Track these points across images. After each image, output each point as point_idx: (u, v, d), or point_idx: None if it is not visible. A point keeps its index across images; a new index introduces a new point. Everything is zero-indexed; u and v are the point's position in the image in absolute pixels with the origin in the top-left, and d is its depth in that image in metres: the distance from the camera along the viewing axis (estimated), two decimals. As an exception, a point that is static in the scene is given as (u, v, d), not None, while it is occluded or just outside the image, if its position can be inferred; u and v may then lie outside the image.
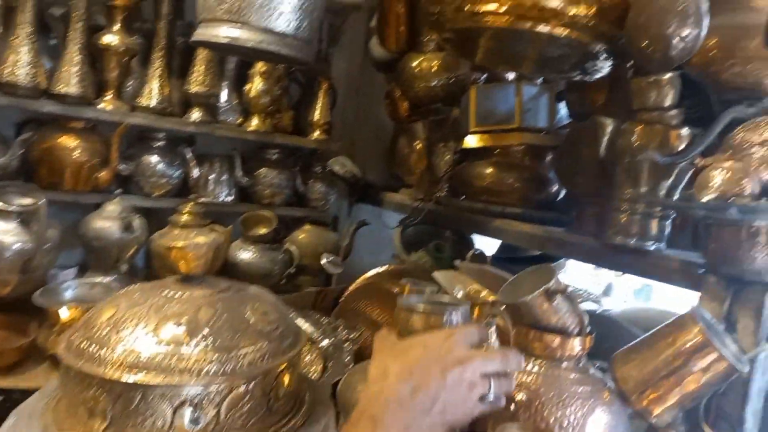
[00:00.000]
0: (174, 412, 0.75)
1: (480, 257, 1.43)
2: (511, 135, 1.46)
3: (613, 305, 1.91)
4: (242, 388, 0.79)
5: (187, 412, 0.75)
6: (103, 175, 1.53)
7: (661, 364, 0.81)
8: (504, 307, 0.92)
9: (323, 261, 1.71)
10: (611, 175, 1.14)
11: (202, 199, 1.70)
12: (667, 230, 1.12)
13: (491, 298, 1.01)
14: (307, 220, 1.90)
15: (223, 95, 1.78)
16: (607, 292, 2.12)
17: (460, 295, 1.02)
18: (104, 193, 1.59)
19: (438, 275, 1.05)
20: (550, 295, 0.83)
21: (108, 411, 0.74)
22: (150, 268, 1.64)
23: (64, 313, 1.27)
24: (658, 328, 0.86)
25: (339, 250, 1.86)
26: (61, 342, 0.83)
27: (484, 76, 1.75)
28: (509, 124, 1.48)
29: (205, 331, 0.80)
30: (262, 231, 1.73)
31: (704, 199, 0.84)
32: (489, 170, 1.50)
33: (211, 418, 0.76)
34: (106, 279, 1.48)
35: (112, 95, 1.58)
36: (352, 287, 1.80)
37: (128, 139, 1.66)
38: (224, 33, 1.16)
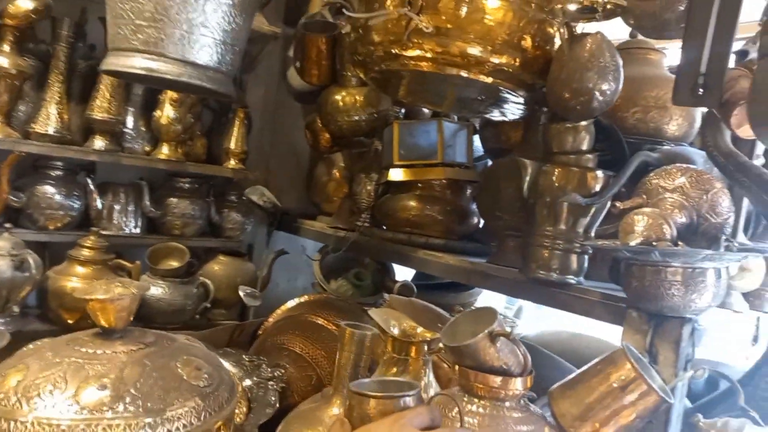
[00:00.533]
0: (100, 487, 0.67)
1: (407, 289, 1.44)
2: (435, 170, 1.48)
3: (523, 328, 1.99)
4: (177, 453, 0.72)
5: (116, 487, 0.67)
6: (-9, 207, 1.37)
7: (596, 399, 0.84)
8: (445, 349, 0.92)
9: (242, 294, 1.64)
10: (532, 213, 1.19)
11: (105, 232, 1.57)
12: (585, 264, 1.19)
13: (428, 335, 1.01)
14: (220, 251, 1.81)
15: (129, 121, 1.66)
16: (517, 314, 2.20)
17: (396, 332, 1.01)
18: (-4, 226, 1.42)
19: (373, 313, 1.03)
20: (493, 338, 0.85)
21: (21, 493, 0.65)
22: (45, 308, 1.48)
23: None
24: (591, 364, 0.90)
25: (257, 281, 1.79)
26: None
27: (403, 110, 1.79)
28: (432, 159, 1.51)
29: (133, 392, 0.72)
30: (173, 264, 1.62)
31: (631, 243, 0.89)
32: (413, 203, 1.51)
33: (144, 489, 0.69)
34: (-5, 322, 1.32)
35: (1, 121, 1.42)
36: (271, 320, 1.73)
37: (20, 169, 1.50)
38: (141, 64, 1.08)
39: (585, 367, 0.90)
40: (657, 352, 0.93)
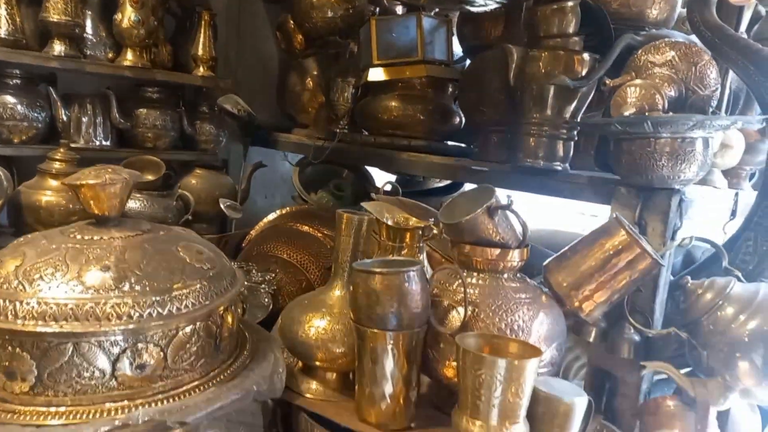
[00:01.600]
0: (114, 362, 0.67)
1: (393, 189, 1.43)
2: (416, 67, 1.45)
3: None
4: (188, 330, 0.72)
5: (128, 360, 0.67)
6: (-52, 119, 1.28)
7: (592, 267, 0.87)
8: (444, 228, 0.93)
9: (222, 206, 1.61)
10: (518, 101, 1.19)
11: (75, 145, 1.50)
12: (571, 151, 1.20)
13: (421, 223, 1.02)
14: (197, 165, 1.76)
15: (89, 26, 1.55)
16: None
17: (390, 222, 1.01)
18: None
19: (366, 205, 1.03)
20: (492, 211, 0.86)
21: (32, 368, 0.64)
22: (19, 224, 1.42)
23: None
24: (584, 236, 0.92)
25: (236, 195, 1.76)
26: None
27: (377, 9, 1.72)
28: (412, 56, 1.47)
29: (137, 272, 0.71)
30: (150, 177, 1.57)
31: (625, 113, 0.90)
32: (394, 103, 1.49)
33: (157, 363, 0.69)
34: (-33, 240, 1.26)
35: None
36: (256, 231, 1.72)
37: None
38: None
39: (578, 240, 0.92)
40: (646, 225, 0.96)
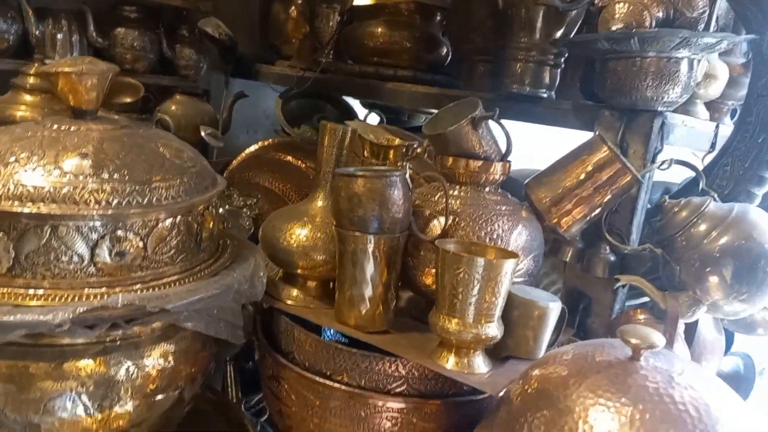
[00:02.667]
0: (93, 248, 0.66)
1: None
2: (403, -10, 1.42)
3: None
4: (168, 222, 0.72)
5: (107, 247, 0.67)
6: None
7: (573, 183, 0.88)
8: (428, 140, 0.93)
9: (203, 133, 1.58)
10: (507, 27, 1.17)
11: (49, 61, 1.45)
12: (557, 80, 1.20)
13: (405, 142, 1.01)
14: (176, 91, 1.72)
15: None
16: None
17: (373, 138, 1.00)
18: None
19: (352, 123, 1.02)
20: (476, 123, 0.85)
21: (9, 249, 0.64)
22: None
23: None
24: (565, 154, 0.93)
25: (217, 124, 1.73)
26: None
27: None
28: (400, -21, 1.43)
29: (116, 162, 0.70)
30: (128, 99, 1.53)
31: (612, 28, 0.89)
32: (380, 29, 1.46)
33: (136, 252, 0.69)
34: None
35: None
36: (237, 160, 1.70)
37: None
38: None
39: (560, 158, 0.93)
40: (627, 146, 0.97)
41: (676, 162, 0.95)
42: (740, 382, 1.16)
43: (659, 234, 0.91)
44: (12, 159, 0.66)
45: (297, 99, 1.80)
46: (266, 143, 1.73)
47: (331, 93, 1.78)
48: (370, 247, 0.79)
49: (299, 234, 0.89)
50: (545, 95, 1.17)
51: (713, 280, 0.84)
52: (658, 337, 0.60)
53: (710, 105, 1.22)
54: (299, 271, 0.91)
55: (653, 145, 0.96)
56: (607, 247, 0.97)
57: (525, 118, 1.19)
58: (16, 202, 0.64)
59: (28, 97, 1.35)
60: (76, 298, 0.65)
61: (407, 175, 0.85)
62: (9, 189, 0.64)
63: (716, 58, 1.14)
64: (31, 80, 1.36)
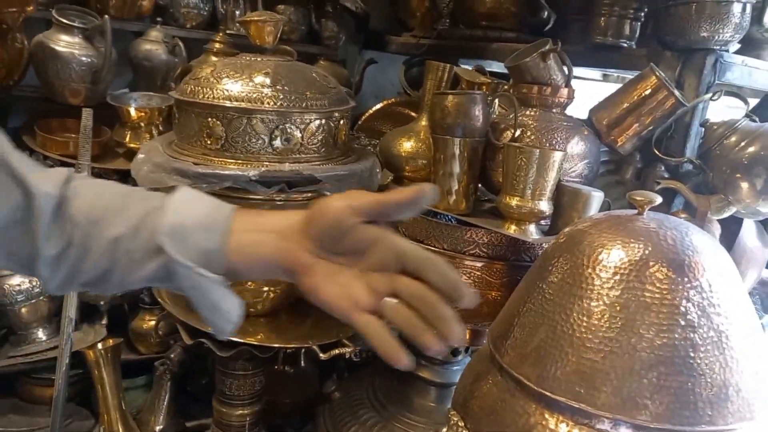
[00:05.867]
0: (271, 134, 1.02)
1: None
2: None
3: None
4: (316, 123, 1.06)
5: (279, 135, 1.02)
6: (146, 3, 1.70)
7: (627, 106, 1.09)
8: (508, 70, 1.18)
9: (340, 89, 1.93)
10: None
11: (230, 32, 1.89)
12: (637, 32, 1.38)
13: (492, 81, 1.27)
14: (320, 58, 2.10)
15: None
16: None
17: (467, 77, 1.28)
18: (145, 21, 1.76)
19: (458, 70, 1.30)
20: (544, 55, 1.10)
21: (222, 132, 1.01)
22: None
23: (133, 112, 1.50)
24: (623, 85, 1.14)
25: (351, 86, 2.08)
26: (175, 93, 1.07)
27: None
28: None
29: (286, 79, 1.05)
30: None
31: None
32: (488, -3, 1.71)
33: (296, 141, 1.03)
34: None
35: None
36: (367, 114, 2.05)
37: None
38: None
39: (618, 88, 1.14)
40: (684, 81, 1.15)
41: (726, 93, 1.11)
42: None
43: (700, 149, 1.09)
44: (224, 76, 1.04)
45: (418, 66, 2.10)
46: (390, 101, 2.06)
47: (446, 58, 2.05)
48: (457, 149, 1.07)
49: (406, 145, 1.19)
50: (625, 44, 1.36)
51: (743, 185, 1.00)
52: (658, 197, 0.82)
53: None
54: (406, 173, 1.21)
55: (706, 79, 1.13)
56: (662, 166, 1.16)
57: (607, 65, 1.40)
58: (227, 102, 1.00)
59: (214, 59, 1.78)
60: (260, 166, 1.01)
61: (487, 97, 1.10)
62: (223, 93, 1.01)
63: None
64: (217, 45, 1.79)
